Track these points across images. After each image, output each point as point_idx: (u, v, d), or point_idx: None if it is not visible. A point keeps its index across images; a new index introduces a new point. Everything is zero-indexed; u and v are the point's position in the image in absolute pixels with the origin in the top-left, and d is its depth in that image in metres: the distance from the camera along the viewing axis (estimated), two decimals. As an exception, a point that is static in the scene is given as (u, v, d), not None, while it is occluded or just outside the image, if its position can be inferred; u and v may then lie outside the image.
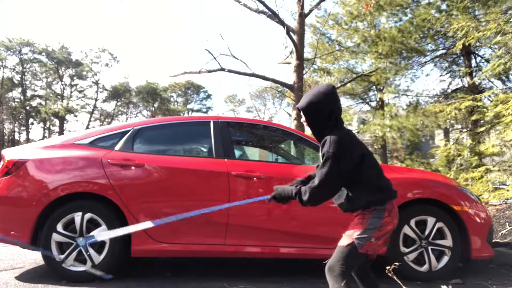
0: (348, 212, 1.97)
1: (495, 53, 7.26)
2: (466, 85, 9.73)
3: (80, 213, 3.01)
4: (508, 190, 6.37)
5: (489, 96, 7.85)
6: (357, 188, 1.88)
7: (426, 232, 3.19)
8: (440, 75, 10.75)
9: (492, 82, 9.11)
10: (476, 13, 8.01)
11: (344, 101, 14.06)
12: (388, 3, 9.23)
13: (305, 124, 2.00)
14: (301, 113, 1.99)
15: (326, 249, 3.20)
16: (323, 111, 1.90)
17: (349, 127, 13.58)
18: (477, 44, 7.74)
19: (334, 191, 1.91)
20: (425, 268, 3.16)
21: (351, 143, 1.88)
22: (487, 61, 8.94)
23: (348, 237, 1.86)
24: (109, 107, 41.28)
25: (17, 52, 35.83)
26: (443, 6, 8.52)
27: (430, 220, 3.19)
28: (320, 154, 1.90)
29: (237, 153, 3.74)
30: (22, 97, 36.97)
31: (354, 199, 1.89)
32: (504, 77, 8.85)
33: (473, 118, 8.23)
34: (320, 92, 1.92)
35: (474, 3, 7.66)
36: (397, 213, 1.92)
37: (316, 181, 1.85)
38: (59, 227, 3.00)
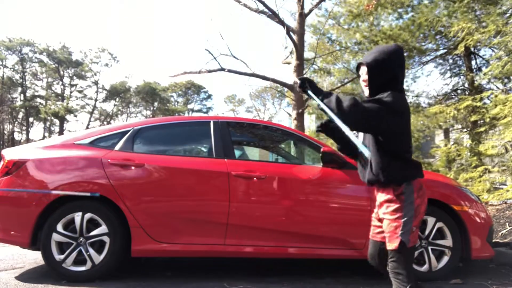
0: (373, 185, 1.87)
1: (495, 54, 7.27)
2: (467, 85, 9.73)
3: (80, 213, 3.02)
4: (507, 191, 6.37)
5: (489, 96, 7.85)
6: (394, 158, 1.77)
7: (426, 232, 3.19)
8: (440, 74, 10.75)
9: (492, 83, 9.11)
10: (478, 13, 8.01)
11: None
12: (389, 2, 9.22)
13: (363, 84, 1.91)
14: (361, 70, 1.91)
15: (326, 249, 3.21)
16: (387, 71, 1.81)
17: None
18: (478, 45, 7.73)
19: (356, 123, 1.73)
20: (425, 268, 3.16)
21: (406, 106, 1.81)
22: (488, 61, 8.95)
23: (392, 238, 1.77)
24: (108, 107, 41.30)
25: (18, 52, 35.81)
26: (445, 5, 8.51)
27: (430, 220, 3.19)
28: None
29: (237, 153, 3.74)
30: (22, 97, 36.96)
31: (389, 170, 1.76)
32: (504, 78, 8.85)
33: (473, 118, 8.23)
34: (387, 51, 1.84)
35: (475, 3, 7.66)
36: (425, 192, 1.83)
37: (348, 102, 1.69)
38: (59, 227, 3.00)
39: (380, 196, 1.86)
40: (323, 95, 1.79)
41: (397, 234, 1.73)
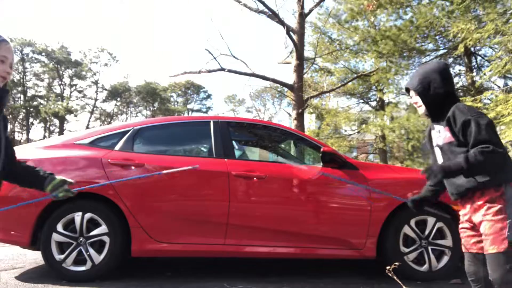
0: (466, 194, 1.77)
1: (495, 54, 7.26)
2: (467, 85, 9.73)
3: (80, 213, 3.01)
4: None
5: (489, 96, 7.85)
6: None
7: (426, 232, 3.19)
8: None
9: (493, 82, 9.12)
10: (477, 13, 8.00)
11: (345, 101, 14.06)
12: (388, 2, 9.22)
13: (416, 105, 1.92)
14: (412, 93, 1.91)
15: (326, 249, 3.21)
16: (437, 90, 1.81)
17: (349, 127, 13.60)
18: (478, 44, 7.73)
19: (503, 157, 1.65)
20: (425, 268, 3.16)
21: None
22: (488, 61, 8.94)
23: (498, 240, 1.64)
24: (108, 107, 41.31)
25: (19, 52, 35.81)
26: (444, 5, 8.51)
27: (430, 220, 3.19)
28: (449, 131, 1.75)
29: (237, 153, 3.74)
30: (22, 97, 36.97)
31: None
32: (504, 77, 8.85)
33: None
34: (431, 70, 1.85)
35: (475, 3, 7.65)
36: None
37: (482, 147, 1.60)
38: (59, 227, 2.99)
39: (476, 201, 1.75)
40: (465, 162, 1.64)
41: (504, 236, 1.63)
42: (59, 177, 1.72)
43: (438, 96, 1.82)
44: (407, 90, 1.97)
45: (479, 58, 9.82)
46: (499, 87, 8.42)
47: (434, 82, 1.82)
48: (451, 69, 10.43)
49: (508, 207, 1.68)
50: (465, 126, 1.68)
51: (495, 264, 1.64)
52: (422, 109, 1.90)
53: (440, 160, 1.88)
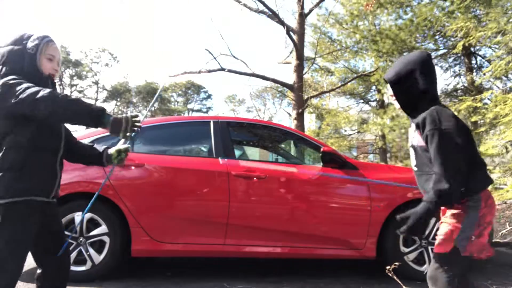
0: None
1: (496, 53, 7.26)
2: (467, 85, 9.73)
3: (80, 213, 3.01)
4: (507, 191, 6.36)
5: (489, 96, 7.84)
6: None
7: (426, 232, 3.18)
8: (441, 75, 10.75)
9: (492, 82, 9.11)
10: (477, 12, 8.00)
11: (345, 101, 14.07)
12: (388, 2, 9.22)
13: (391, 98, 1.77)
14: (388, 86, 1.76)
15: (326, 249, 3.21)
16: (413, 84, 1.65)
17: (349, 127, 13.60)
18: (478, 44, 7.73)
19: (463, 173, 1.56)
20: (425, 268, 3.16)
21: (454, 116, 1.61)
22: (488, 61, 8.94)
23: (446, 241, 1.63)
24: (109, 107, 41.27)
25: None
26: (445, 5, 8.51)
27: (430, 220, 3.19)
28: (420, 135, 1.64)
29: (237, 153, 3.74)
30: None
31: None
32: (504, 77, 8.85)
33: (473, 119, 8.22)
34: (410, 61, 1.67)
35: (475, 3, 7.65)
36: (494, 202, 1.67)
37: (438, 171, 1.53)
38: (59, 227, 2.99)
39: (448, 217, 1.71)
40: (427, 208, 1.58)
41: (451, 239, 1.60)
42: (113, 150, 1.91)
43: (415, 90, 1.67)
44: (385, 82, 1.79)
45: (479, 58, 9.82)
46: (498, 87, 8.42)
47: (412, 74, 1.66)
48: (451, 69, 10.43)
49: (469, 213, 1.60)
50: (427, 138, 1.59)
51: (434, 262, 1.66)
52: (397, 104, 1.76)
53: (413, 161, 1.79)
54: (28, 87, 1.48)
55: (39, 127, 1.58)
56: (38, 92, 1.46)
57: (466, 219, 1.59)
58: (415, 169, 1.79)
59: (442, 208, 1.73)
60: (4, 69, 1.60)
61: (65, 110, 1.48)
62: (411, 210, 1.64)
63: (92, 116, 1.52)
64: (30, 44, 1.63)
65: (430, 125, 1.57)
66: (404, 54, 9.64)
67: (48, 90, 1.48)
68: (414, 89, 1.68)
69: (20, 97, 1.46)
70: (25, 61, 1.61)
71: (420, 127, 1.63)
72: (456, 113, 7.51)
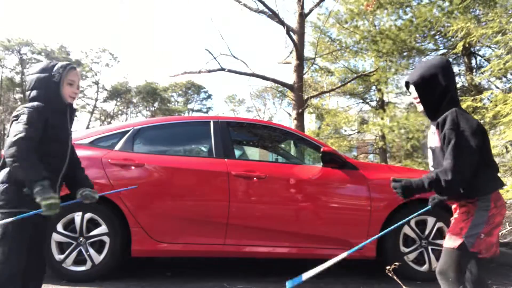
0: (451, 202, 1.79)
1: (495, 52, 7.25)
2: (467, 85, 9.73)
3: (80, 213, 3.01)
4: (507, 191, 6.36)
5: (489, 96, 7.84)
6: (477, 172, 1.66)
7: (426, 232, 3.19)
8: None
9: (492, 82, 9.11)
10: (477, 12, 8.01)
11: (345, 101, 14.06)
12: (388, 2, 9.22)
13: (415, 101, 1.86)
14: (410, 88, 1.85)
15: (326, 249, 3.21)
16: (437, 86, 1.75)
17: (349, 127, 13.60)
18: (478, 44, 7.73)
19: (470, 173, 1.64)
20: (425, 268, 3.16)
21: (473, 119, 1.71)
22: (488, 60, 8.93)
23: (455, 237, 1.70)
24: (109, 107, 41.29)
25: (17, 52, 35.78)
26: (444, 5, 8.51)
27: (430, 220, 3.19)
28: (438, 135, 1.72)
29: (237, 153, 3.75)
30: (22, 97, 36.96)
31: (472, 186, 1.67)
32: (503, 77, 8.85)
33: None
34: (434, 65, 1.78)
35: (475, 3, 7.65)
36: (504, 203, 1.75)
37: (446, 165, 1.62)
38: (59, 227, 2.99)
39: (458, 215, 1.79)
40: (428, 184, 1.68)
41: (460, 236, 1.67)
42: (78, 194, 2.09)
43: (437, 92, 1.76)
44: (407, 85, 1.91)
45: (478, 58, 9.82)
46: (497, 87, 8.42)
47: (435, 77, 1.76)
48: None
49: (478, 211, 1.68)
50: (444, 137, 1.68)
51: (445, 257, 1.72)
52: (421, 106, 1.85)
53: (430, 162, 1.87)
54: (21, 132, 1.71)
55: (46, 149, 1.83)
56: (20, 138, 1.70)
57: (475, 217, 1.66)
58: (432, 169, 1.85)
59: (454, 206, 1.82)
60: (32, 93, 1.87)
61: (19, 166, 1.70)
62: (408, 179, 1.76)
63: (27, 181, 1.72)
64: (55, 73, 1.87)
65: (449, 125, 1.66)
66: (404, 54, 9.66)
67: (24, 149, 1.70)
68: (437, 90, 1.77)
69: (14, 133, 1.73)
70: (50, 89, 1.85)
71: (440, 125, 1.71)
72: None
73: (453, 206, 1.82)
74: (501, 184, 1.75)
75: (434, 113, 1.80)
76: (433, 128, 1.82)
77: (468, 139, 1.63)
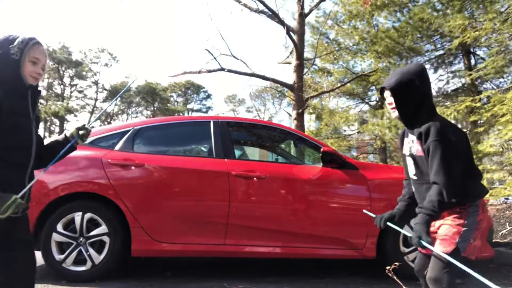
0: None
1: (490, 51, 7.28)
2: (466, 85, 9.74)
3: (80, 213, 3.01)
4: (505, 188, 6.37)
5: (488, 96, 7.85)
6: (465, 179, 1.68)
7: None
8: (440, 75, 10.76)
9: (490, 81, 9.13)
10: (472, 12, 8.03)
11: (344, 101, 14.06)
12: (385, 4, 9.25)
13: (389, 106, 1.82)
14: (385, 93, 1.81)
15: (326, 249, 3.21)
16: (415, 92, 1.72)
17: (349, 127, 13.60)
18: (475, 44, 7.75)
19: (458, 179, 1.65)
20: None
21: (457, 128, 1.72)
22: (484, 59, 8.95)
23: (448, 242, 1.68)
24: (109, 107, 41.25)
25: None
26: (440, 6, 8.54)
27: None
28: (420, 146, 1.71)
29: (237, 153, 3.75)
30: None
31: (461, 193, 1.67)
32: (500, 76, 8.87)
33: (472, 119, 8.23)
34: (411, 71, 1.75)
35: (471, 3, 7.68)
36: (488, 210, 1.81)
37: (439, 182, 1.62)
38: (59, 227, 2.99)
39: (448, 220, 1.76)
40: (428, 216, 1.66)
41: (455, 240, 1.67)
42: (73, 130, 1.73)
43: (415, 98, 1.74)
44: (382, 90, 1.85)
45: (477, 57, 9.83)
46: (494, 88, 8.43)
47: (413, 83, 1.73)
48: (449, 69, 10.46)
49: (470, 216, 1.70)
50: (429, 148, 1.66)
51: (437, 264, 1.67)
52: (396, 113, 1.80)
53: (412, 170, 1.83)
54: None
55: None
56: None
57: (467, 223, 1.69)
58: (415, 178, 1.83)
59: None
60: None
61: None
62: (416, 223, 1.69)
63: None
64: (15, 49, 1.49)
65: (435, 136, 1.64)
66: (403, 54, 9.67)
67: None
68: (413, 97, 1.74)
69: None
70: (7, 67, 1.47)
71: (423, 137, 1.69)
72: (455, 113, 7.50)
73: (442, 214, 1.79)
74: (487, 191, 1.78)
75: (410, 120, 1.77)
76: (411, 136, 1.80)
77: (455, 151, 1.64)
